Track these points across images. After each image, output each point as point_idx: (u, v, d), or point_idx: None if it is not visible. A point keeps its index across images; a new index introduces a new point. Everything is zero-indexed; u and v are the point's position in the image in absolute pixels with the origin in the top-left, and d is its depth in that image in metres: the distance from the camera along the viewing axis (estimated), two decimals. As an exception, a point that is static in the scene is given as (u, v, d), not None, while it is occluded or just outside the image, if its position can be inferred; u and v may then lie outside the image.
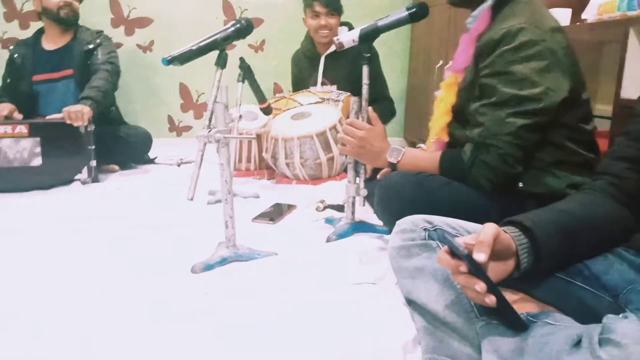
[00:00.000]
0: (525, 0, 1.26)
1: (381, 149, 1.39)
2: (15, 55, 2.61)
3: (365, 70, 1.47)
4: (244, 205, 1.96)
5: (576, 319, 0.83)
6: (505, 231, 0.84)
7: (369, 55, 1.47)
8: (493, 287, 0.75)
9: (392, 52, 3.41)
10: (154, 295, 1.19)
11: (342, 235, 1.54)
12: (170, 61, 1.35)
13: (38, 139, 2.22)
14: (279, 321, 1.05)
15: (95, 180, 2.35)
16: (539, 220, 0.87)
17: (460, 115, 1.36)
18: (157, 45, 3.30)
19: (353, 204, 1.59)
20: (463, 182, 1.28)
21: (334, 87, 2.74)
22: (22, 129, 2.20)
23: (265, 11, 3.33)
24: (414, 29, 3.35)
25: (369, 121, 1.44)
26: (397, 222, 1.10)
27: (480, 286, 0.74)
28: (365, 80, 1.47)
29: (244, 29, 1.51)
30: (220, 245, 1.38)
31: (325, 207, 1.88)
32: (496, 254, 0.80)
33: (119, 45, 3.07)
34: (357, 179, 1.55)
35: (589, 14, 1.74)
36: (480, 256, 0.75)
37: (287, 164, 2.29)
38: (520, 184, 1.27)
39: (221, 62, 1.45)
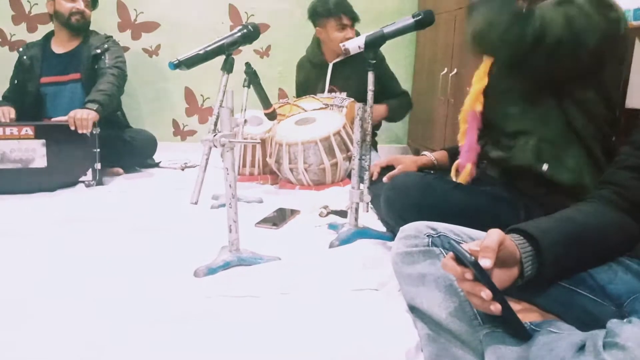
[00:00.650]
0: None
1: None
2: (25, 57, 2.64)
3: (370, 76, 1.48)
4: (247, 210, 1.96)
5: (579, 327, 0.83)
6: (510, 238, 0.84)
7: (374, 61, 1.48)
8: (498, 295, 0.75)
9: (396, 59, 3.41)
10: (157, 298, 1.19)
11: (345, 241, 1.54)
12: (177, 65, 1.36)
13: (43, 141, 2.23)
14: (281, 326, 1.05)
15: (99, 183, 2.36)
16: (544, 228, 0.87)
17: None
18: (164, 49, 3.32)
19: (356, 209, 1.59)
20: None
21: (343, 94, 2.72)
22: (28, 130, 2.22)
23: (271, 17, 3.35)
24: (419, 36, 3.36)
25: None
26: (401, 229, 1.10)
27: (486, 293, 0.74)
28: (370, 86, 1.48)
29: (251, 34, 1.52)
30: (224, 249, 1.38)
31: (328, 213, 1.88)
32: (500, 261, 0.80)
33: (125, 49, 3.08)
34: (361, 185, 1.55)
35: (595, 24, 1.74)
36: (486, 262, 0.75)
37: (291, 169, 2.30)
38: (545, 166, 1.26)
39: (228, 67, 1.45)
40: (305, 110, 2.55)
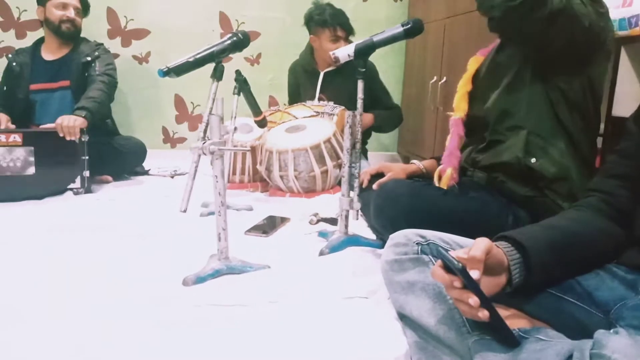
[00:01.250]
0: None
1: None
2: (14, 64, 2.62)
3: (360, 84, 1.48)
4: (237, 217, 1.95)
5: (568, 334, 0.83)
6: (497, 246, 0.84)
7: (364, 70, 1.48)
8: (486, 302, 0.76)
9: (386, 67, 3.43)
10: (146, 306, 1.18)
11: (335, 249, 1.53)
12: (166, 73, 1.35)
13: (32, 148, 2.21)
14: (270, 335, 1.05)
15: (88, 190, 2.34)
16: (531, 235, 0.88)
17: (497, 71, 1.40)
18: (154, 56, 3.31)
19: (347, 217, 1.59)
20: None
21: (331, 103, 2.74)
22: (16, 137, 2.20)
23: (262, 24, 3.36)
24: (409, 45, 3.38)
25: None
26: (391, 236, 1.10)
27: (474, 300, 0.74)
28: (360, 94, 1.48)
29: (241, 41, 1.51)
30: (213, 258, 1.37)
31: (318, 221, 1.88)
32: (488, 269, 0.80)
33: (115, 56, 3.07)
34: (351, 192, 1.55)
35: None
36: (474, 273, 0.76)
37: (281, 177, 2.29)
38: (533, 159, 1.30)
39: (217, 75, 1.45)
40: (296, 118, 2.55)
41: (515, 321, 0.88)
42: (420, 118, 3.03)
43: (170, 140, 3.46)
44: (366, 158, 2.91)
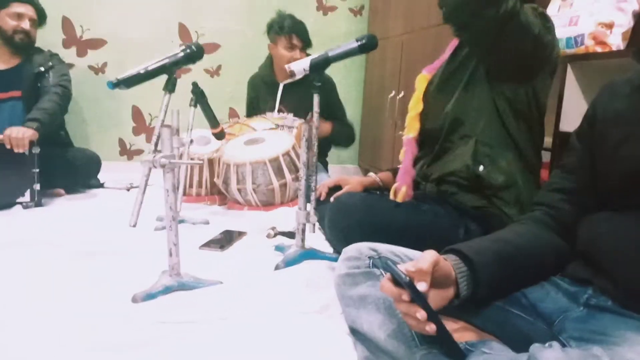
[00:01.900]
0: None
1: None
2: None
3: (316, 98, 1.49)
4: (192, 231, 1.92)
5: (514, 346, 0.85)
6: (445, 259, 0.85)
7: (319, 84, 1.49)
8: (433, 315, 0.76)
9: (347, 82, 3.47)
10: (93, 325, 1.14)
11: (290, 263, 1.52)
12: (115, 84, 1.32)
13: (-23, 160, 2.13)
14: (219, 352, 1.03)
15: (38, 204, 2.26)
16: (478, 248, 0.89)
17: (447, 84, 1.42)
18: (110, 67, 3.24)
19: (303, 231, 1.58)
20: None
21: (290, 115, 2.75)
22: (-39, 149, 2.11)
23: (222, 36, 3.34)
24: (368, 59, 3.42)
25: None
26: (344, 250, 1.10)
27: (421, 314, 0.75)
28: (315, 107, 1.49)
29: (194, 54, 1.50)
30: (164, 274, 1.34)
31: (276, 234, 1.86)
32: (436, 282, 0.81)
33: (70, 66, 3.00)
34: (308, 205, 1.55)
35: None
36: (421, 285, 0.76)
37: (239, 190, 2.27)
38: (481, 167, 1.33)
39: (170, 87, 1.43)
40: (256, 130, 2.54)
41: (463, 334, 0.89)
42: (379, 131, 3.07)
43: (127, 152, 3.38)
44: (327, 171, 2.91)
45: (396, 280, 0.79)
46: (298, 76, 1.50)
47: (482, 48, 1.33)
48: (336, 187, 1.79)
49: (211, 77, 3.37)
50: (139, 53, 3.19)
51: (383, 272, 1.00)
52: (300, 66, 1.47)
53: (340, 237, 1.35)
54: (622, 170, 0.88)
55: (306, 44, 2.75)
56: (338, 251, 1.53)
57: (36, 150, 2.22)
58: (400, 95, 2.67)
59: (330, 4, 3.44)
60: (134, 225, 1.21)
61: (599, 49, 1.53)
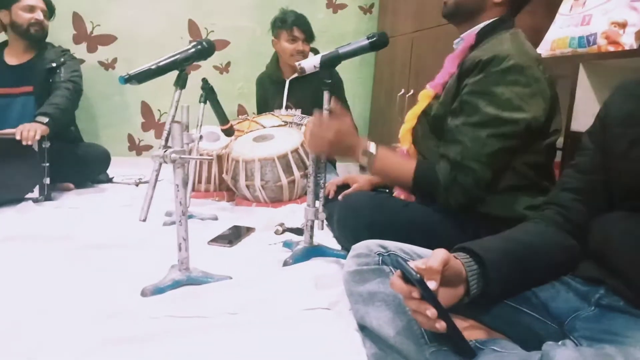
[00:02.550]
0: (511, 32, 1.31)
1: (352, 144, 1.35)
2: None
3: (326, 95, 1.48)
4: (201, 227, 1.92)
5: (524, 345, 0.85)
6: (456, 257, 0.85)
7: (329, 81, 1.49)
8: (443, 313, 0.76)
9: (356, 79, 3.47)
10: (104, 318, 1.15)
11: (299, 259, 1.52)
12: (127, 80, 1.32)
13: (-11, 154, 2.14)
14: (229, 347, 1.03)
15: (48, 198, 2.28)
16: (489, 247, 0.89)
17: (435, 125, 1.37)
18: (120, 63, 3.26)
19: (312, 227, 1.58)
20: (431, 199, 1.28)
21: (298, 111, 2.76)
22: (-27, 143, 2.12)
23: (231, 33, 3.35)
24: (378, 57, 3.42)
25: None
26: (353, 247, 1.10)
27: (431, 312, 0.75)
28: (325, 105, 1.48)
29: (205, 50, 1.49)
30: (173, 268, 1.35)
31: (284, 231, 1.87)
32: (446, 280, 0.81)
33: (80, 61, 3.01)
34: (316, 202, 1.55)
35: (543, 49, 1.81)
36: (431, 283, 0.76)
37: (248, 186, 2.28)
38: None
39: (180, 83, 1.43)
40: (264, 127, 2.54)
41: (473, 332, 0.89)
42: (388, 130, 3.06)
43: (136, 147, 3.40)
44: (335, 168, 2.91)
45: (406, 278, 0.79)
46: (308, 72, 1.50)
47: None
48: (344, 186, 1.79)
49: (220, 73, 3.38)
50: (148, 49, 3.20)
51: (392, 269, 1.00)
52: (310, 63, 1.47)
53: (349, 236, 1.35)
54: (635, 170, 0.87)
55: (308, 35, 2.77)
56: (347, 248, 1.54)
57: (46, 144, 2.24)
58: (410, 93, 2.66)
59: (340, 2, 3.44)
60: (144, 220, 1.21)
61: (611, 49, 1.51)
